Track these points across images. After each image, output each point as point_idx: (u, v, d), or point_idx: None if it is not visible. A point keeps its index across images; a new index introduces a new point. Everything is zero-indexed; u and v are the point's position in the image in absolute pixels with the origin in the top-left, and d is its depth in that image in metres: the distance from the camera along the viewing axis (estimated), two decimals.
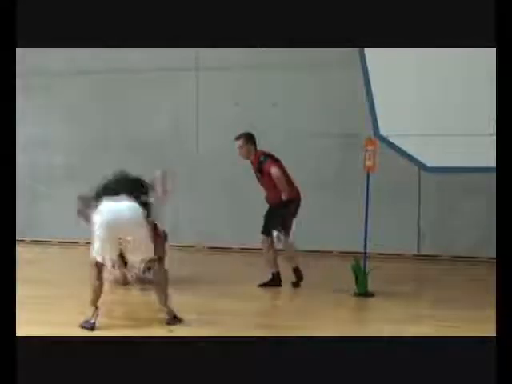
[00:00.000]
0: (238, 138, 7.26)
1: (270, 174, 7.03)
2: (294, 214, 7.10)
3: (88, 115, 10.85)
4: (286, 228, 7.03)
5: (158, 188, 5.88)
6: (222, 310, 6.21)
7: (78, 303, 5.97)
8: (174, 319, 5.58)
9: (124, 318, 6.15)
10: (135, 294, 7.13)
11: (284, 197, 6.98)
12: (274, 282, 7.20)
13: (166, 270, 5.70)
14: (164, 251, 7.55)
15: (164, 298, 5.64)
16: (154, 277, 5.67)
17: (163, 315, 5.57)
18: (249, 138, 7.26)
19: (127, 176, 5.78)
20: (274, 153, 7.33)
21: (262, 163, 7.07)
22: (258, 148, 7.33)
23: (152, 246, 5.54)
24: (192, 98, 10.40)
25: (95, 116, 10.83)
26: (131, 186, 5.62)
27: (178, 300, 5.82)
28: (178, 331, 5.28)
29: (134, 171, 9.70)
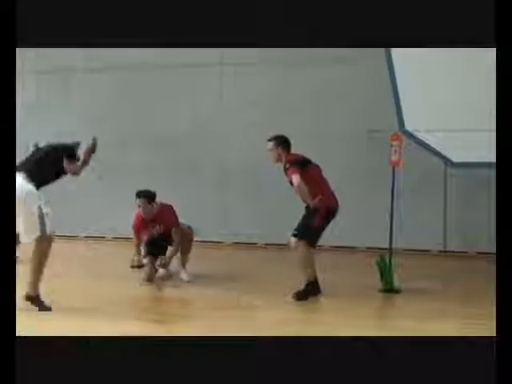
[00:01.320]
0: (269, 140, 6.80)
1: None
2: (322, 225, 6.55)
3: (111, 112, 10.97)
4: (301, 235, 6.52)
5: (82, 157, 6.02)
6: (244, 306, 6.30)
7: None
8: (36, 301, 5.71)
9: (130, 316, 6.12)
10: (167, 290, 7.23)
11: (311, 205, 6.48)
12: (312, 290, 6.58)
13: (44, 252, 5.69)
14: (181, 245, 7.63)
15: (34, 279, 5.69)
16: (32, 256, 5.69)
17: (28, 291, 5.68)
18: (280, 143, 6.75)
19: (41, 153, 5.95)
20: (301, 151, 6.85)
21: (286, 170, 6.56)
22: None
23: (34, 227, 5.60)
24: (216, 94, 10.43)
25: (119, 113, 10.95)
26: (30, 166, 5.78)
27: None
28: (188, 330, 5.26)
29: (157, 168, 9.96)
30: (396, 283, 6.88)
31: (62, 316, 5.55)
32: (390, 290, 6.83)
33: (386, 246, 7.13)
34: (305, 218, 6.61)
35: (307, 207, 6.60)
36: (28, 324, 4.89)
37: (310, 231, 6.54)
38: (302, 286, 6.55)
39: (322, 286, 6.61)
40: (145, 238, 7.67)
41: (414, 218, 9.14)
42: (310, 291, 6.54)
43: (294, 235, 6.57)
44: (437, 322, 5.65)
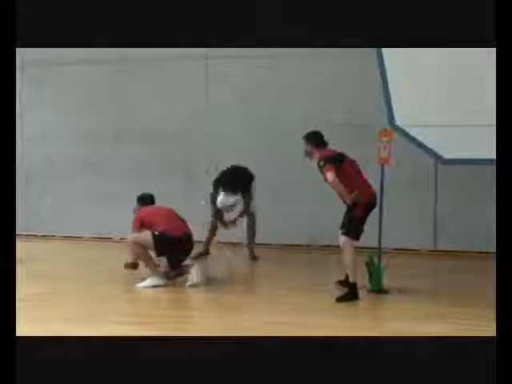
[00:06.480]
0: (303, 138, 6.78)
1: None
2: (362, 219, 6.53)
3: (98, 106, 10.78)
4: (348, 232, 6.50)
5: None
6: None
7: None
8: None
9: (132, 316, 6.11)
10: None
11: (348, 201, 6.44)
12: (351, 293, 6.45)
13: None
14: None
15: None
16: None
17: None
18: (309, 139, 6.72)
19: None
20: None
21: (321, 168, 6.48)
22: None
23: None
24: (202, 87, 10.30)
25: (105, 107, 10.77)
26: None
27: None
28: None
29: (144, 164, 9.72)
30: (385, 284, 6.75)
31: None
32: (378, 290, 6.70)
33: (375, 245, 6.99)
34: (346, 214, 6.54)
35: (348, 203, 6.50)
36: None
37: (352, 226, 6.50)
38: (345, 289, 6.51)
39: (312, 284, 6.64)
40: None
41: (403, 217, 9.00)
42: (353, 293, 6.41)
43: (343, 233, 6.50)
44: (428, 322, 5.59)
